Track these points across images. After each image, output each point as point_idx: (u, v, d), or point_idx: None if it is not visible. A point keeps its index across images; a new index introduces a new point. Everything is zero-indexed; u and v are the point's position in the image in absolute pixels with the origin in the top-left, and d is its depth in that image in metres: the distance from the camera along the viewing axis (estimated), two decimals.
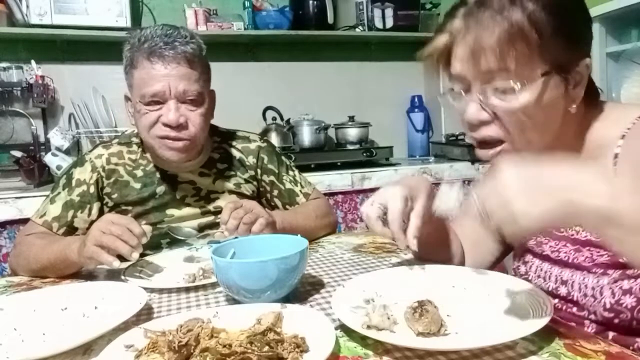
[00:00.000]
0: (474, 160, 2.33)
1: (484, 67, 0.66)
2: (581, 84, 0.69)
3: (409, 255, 0.98)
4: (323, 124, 2.42)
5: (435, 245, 0.89)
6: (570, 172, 0.53)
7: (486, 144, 0.72)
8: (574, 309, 0.75)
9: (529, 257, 0.85)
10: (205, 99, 1.12)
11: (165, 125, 1.07)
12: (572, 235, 0.77)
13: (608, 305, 0.70)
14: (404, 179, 0.82)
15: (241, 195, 1.24)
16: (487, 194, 0.55)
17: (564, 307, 0.77)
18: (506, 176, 0.54)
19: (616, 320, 0.69)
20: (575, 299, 0.75)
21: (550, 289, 0.78)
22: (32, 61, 2.06)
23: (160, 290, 0.88)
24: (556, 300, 0.77)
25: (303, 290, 0.84)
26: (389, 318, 0.64)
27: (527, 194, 0.52)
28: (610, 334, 0.71)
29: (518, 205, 0.51)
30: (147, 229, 0.94)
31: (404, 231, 0.74)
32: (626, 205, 0.50)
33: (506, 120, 0.69)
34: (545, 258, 0.81)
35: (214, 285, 0.88)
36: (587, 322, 0.73)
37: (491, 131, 0.70)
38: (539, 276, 0.82)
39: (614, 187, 0.51)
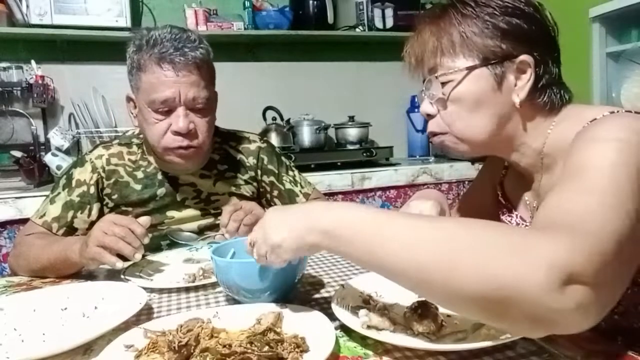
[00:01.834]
0: (474, 160, 2.33)
1: (428, 67, 0.77)
2: (522, 79, 0.71)
3: None
4: (323, 124, 2.42)
5: None
6: (310, 206, 0.63)
7: (434, 135, 0.80)
8: None
9: None
10: (212, 104, 1.11)
11: (176, 133, 1.06)
12: None
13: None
14: (425, 193, 0.90)
15: (241, 197, 1.24)
16: (255, 233, 0.67)
17: None
18: (267, 217, 0.66)
19: (603, 324, 0.70)
20: None
21: None
22: (32, 61, 2.06)
23: (160, 290, 0.88)
24: None
25: (303, 290, 0.84)
26: (389, 318, 0.64)
27: (279, 226, 0.63)
28: (619, 337, 0.70)
29: (274, 237, 0.63)
30: (146, 220, 0.94)
31: None
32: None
33: (442, 111, 0.76)
34: None
35: (214, 285, 0.88)
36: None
37: (434, 124, 0.78)
38: None
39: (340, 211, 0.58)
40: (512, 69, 0.71)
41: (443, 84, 0.74)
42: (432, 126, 0.79)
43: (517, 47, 0.71)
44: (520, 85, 0.72)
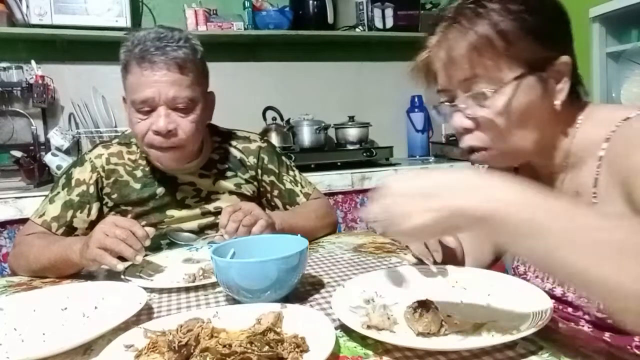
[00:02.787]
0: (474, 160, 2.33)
1: (458, 77, 0.70)
2: (562, 82, 0.69)
3: (409, 256, 0.98)
4: (323, 124, 2.42)
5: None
6: (453, 178, 0.53)
7: (473, 150, 0.74)
8: (569, 309, 0.76)
9: None
10: (197, 104, 1.09)
11: (156, 132, 1.06)
12: None
13: (601, 306, 0.70)
14: None
15: (241, 196, 1.24)
16: (376, 205, 0.56)
17: (560, 307, 0.77)
18: (394, 193, 0.55)
19: (609, 321, 0.70)
20: (570, 299, 0.75)
21: (547, 289, 0.78)
22: (32, 61, 2.07)
23: (160, 290, 0.88)
24: (553, 301, 0.77)
25: (303, 290, 0.84)
26: (389, 318, 0.64)
27: (412, 204, 0.53)
28: (607, 334, 0.71)
29: (407, 222, 0.52)
30: (150, 230, 0.93)
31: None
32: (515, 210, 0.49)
33: (486, 126, 0.70)
34: None
35: (214, 285, 0.88)
36: (582, 321, 0.74)
37: (474, 138, 0.72)
38: (537, 276, 0.82)
39: (502, 191, 0.50)
40: (553, 71, 0.68)
41: (485, 96, 0.68)
42: (471, 140, 0.73)
43: (554, 48, 0.68)
44: (560, 87, 0.69)
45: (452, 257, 0.88)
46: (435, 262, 0.79)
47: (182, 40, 1.06)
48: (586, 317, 0.73)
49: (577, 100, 0.73)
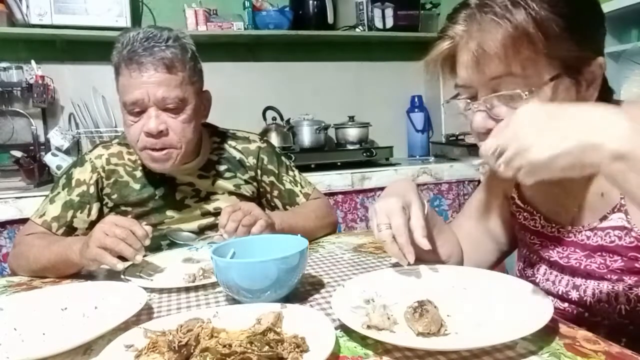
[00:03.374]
0: None
1: (489, 74, 0.64)
2: (594, 84, 0.66)
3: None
4: (323, 124, 2.42)
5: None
6: (591, 112, 0.49)
7: None
8: (586, 314, 0.74)
9: (535, 260, 0.84)
10: (188, 104, 1.08)
11: (147, 134, 1.06)
12: (582, 240, 0.75)
13: (623, 312, 0.69)
14: (391, 188, 0.83)
15: (241, 196, 1.24)
16: (503, 138, 0.52)
17: (574, 312, 0.75)
18: (525, 119, 0.51)
19: (631, 327, 0.69)
20: (588, 304, 0.73)
21: (560, 292, 0.77)
22: (32, 61, 2.07)
23: (160, 290, 0.88)
24: (566, 305, 0.76)
25: (303, 290, 0.84)
26: (389, 318, 0.64)
27: (543, 134, 0.49)
28: (623, 339, 0.69)
29: (538, 152, 0.49)
30: (149, 229, 0.93)
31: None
32: None
33: None
34: (553, 264, 0.79)
35: (214, 285, 0.88)
36: (599, 326, 0.72)
37: None
38: (547, 279, 0.80)
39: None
40: (588, 72, 0.64)
41: (519, 98, 0.62)
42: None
43: (591, 48, 0.64)
44: (592, 90, 0.66)
45: (433, 258, 0.86)
46: (408, 264, 0.78)
47: (171, 40, 1.06)
48: (605, 322, 0.71)
49: (605, 101, 0.69)
